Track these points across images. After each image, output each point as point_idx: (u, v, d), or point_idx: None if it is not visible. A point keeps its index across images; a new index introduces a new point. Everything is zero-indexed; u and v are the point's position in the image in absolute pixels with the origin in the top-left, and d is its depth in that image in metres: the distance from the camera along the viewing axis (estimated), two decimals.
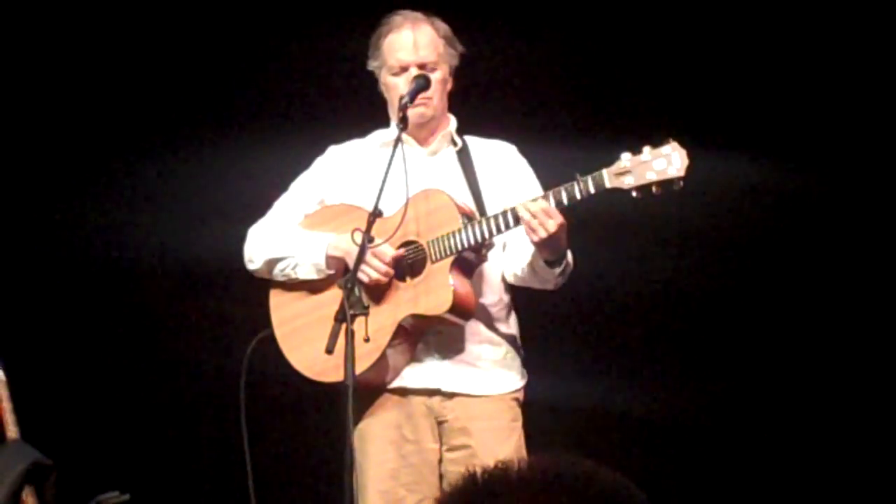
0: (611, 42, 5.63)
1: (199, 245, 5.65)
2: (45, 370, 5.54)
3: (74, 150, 5.79)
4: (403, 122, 4.16)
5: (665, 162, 4.04)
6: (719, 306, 5.69)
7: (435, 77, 4.28)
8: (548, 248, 4.12)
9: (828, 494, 5.61)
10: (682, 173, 4.04)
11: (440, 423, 4.28)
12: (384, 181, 4.03)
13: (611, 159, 4.07)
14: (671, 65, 5.61)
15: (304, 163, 4.48)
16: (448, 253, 4.16)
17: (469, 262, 4.22)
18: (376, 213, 4.02)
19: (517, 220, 4.07)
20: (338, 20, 5.41)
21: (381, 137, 4.41)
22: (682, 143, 4.06)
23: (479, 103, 5.17)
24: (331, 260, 4.28)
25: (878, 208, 5.59)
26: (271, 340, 4.28)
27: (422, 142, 4.38)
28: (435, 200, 4.22)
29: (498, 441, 4.25)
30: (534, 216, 4.02)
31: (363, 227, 4.02)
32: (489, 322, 4.32)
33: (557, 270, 4.19)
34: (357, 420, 4.09)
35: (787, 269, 5.67)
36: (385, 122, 4.43)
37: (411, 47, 4.27)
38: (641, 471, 2.56)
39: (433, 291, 4.17)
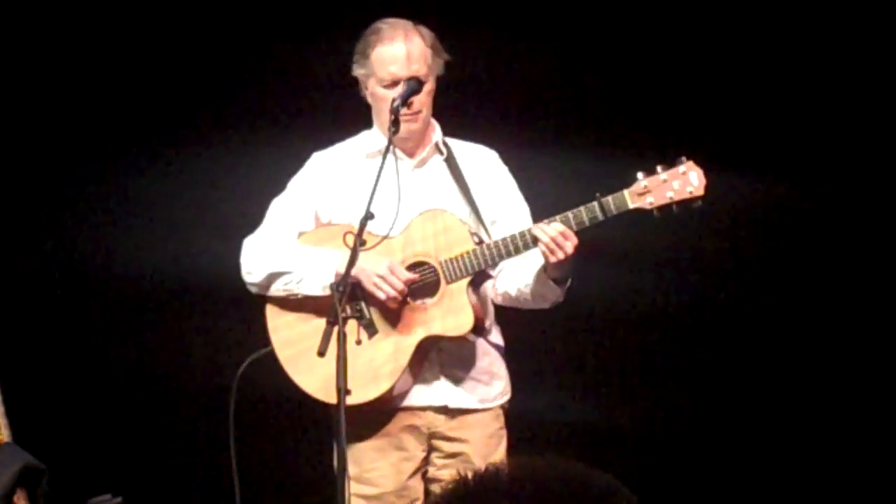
0: (609, 47, 5.62)
1: (189, 255, 5.66)
2: (35, 374, 5.53)
3: (65, 162, 5.78)
4: (395, 125, 4.15)
5: (683, 181, 4.09)
6: (709, 321, 5.68)
7: (425, 89, 4.25)
8: (560, 269, 4.15)
9: None
10: (701, 192, 4.09)
11: (431, 433, 4.30)
12: (373, 192, 4.02)
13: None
14: (664, 77, 5.59)
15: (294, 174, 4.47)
16: (465, 273, 4.18)
17: (479, 281, 4.26)
18: (368, 216, 3.99)
19: (535, 242, 4.09)
20: (325, 30, 5.40)
21: (367, 146, 4.38)
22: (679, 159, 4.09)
23: (470, 110, 5.19)
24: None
25: (877, 228, 5.58)
26: (266, 360, 4.22)
27: (409, 152, 4.36)
28: (443, 220, 4.24)
29: (490, 448, 4.31)
30: (553, 239, 4.05)
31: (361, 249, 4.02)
32: (487, 335, 4.35)
33: (564, 288, 4.23)
34: (349, 430, 4.08)
35: (775, 286, 5.67)
36: (369, 125, 4.40)
37: (404, 61, 4.23)
38: (629, 486, 2.57)
39: (453, 312, 4.19)
